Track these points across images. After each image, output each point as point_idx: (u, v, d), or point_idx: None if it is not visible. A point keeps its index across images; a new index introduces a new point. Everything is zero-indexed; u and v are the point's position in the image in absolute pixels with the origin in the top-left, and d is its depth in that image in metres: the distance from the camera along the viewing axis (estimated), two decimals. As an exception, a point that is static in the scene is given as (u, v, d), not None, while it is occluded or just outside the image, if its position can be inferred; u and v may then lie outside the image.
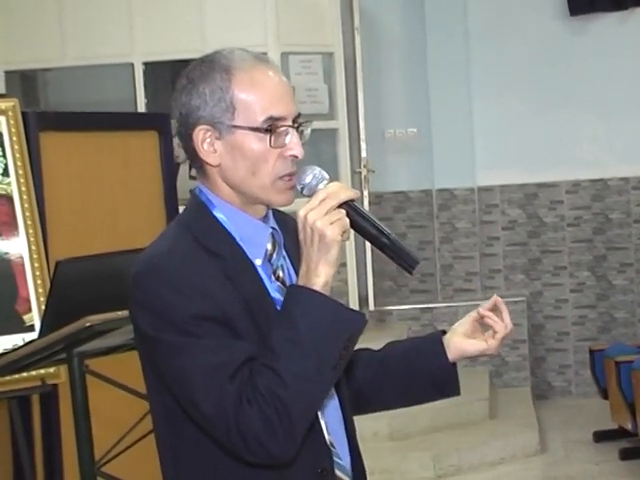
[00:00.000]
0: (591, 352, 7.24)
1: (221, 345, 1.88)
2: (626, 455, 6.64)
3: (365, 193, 7.75)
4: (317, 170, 2.00)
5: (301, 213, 1.92)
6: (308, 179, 1.99)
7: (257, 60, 2.02)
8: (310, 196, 1.96)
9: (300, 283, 1.92)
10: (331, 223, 1.90)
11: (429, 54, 8.35)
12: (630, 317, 8.36)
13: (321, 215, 1.90)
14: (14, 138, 3.97)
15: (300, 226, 1.92)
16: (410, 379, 2.24)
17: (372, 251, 7.57)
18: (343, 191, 1.93)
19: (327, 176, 2.00)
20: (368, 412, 2.32)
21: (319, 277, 1.90)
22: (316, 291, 1.89)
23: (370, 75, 8.06)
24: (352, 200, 1.94)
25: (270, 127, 1.97)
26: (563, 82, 8.30)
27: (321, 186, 1.97)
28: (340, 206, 1.92)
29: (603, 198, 8.34)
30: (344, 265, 7.34)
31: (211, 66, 1.99)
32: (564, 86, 8.30)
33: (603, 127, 8.31)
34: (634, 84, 8.23)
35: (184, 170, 5.54)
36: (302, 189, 2.00)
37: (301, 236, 1.92)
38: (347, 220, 1.93)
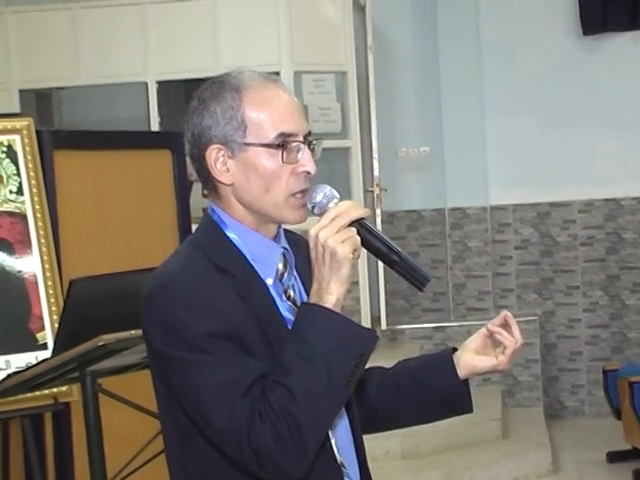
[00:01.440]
0: (604, 372, 7.21)
1: (234, 362, 1.89)
2: None
3: (378, 212, 7.75)
4: (328, 189, 2.01)
5: (312, 232, 1.92)
6: (319, 198, 2.00)
7: (266, 79, 2.04)
8: (321, 215, 1.97)
9: (312, 301, 1.93)
10: (342, 241, 1.90)
11: (442, 73, 8.36)
12: (643, 337, 8.33)
13: (332, 233, 1.91)
14: (28, 157, 3.98)
15: (311, 245, 1.93)
16: (422, 397, 2.24)
17: (385, 270, 7.57)
18: (354, 209, 1.94)
19: (337, 195, 2.01)
20: (381, 430, 2.32)
21: (331, 295, 1.91)
22: (328, 308, 1.90)
23: (383, 94, 8.07)
24: (363, 218, 1.95)
25: (282, 143, 1.98)
26: (576, 101, 8.30)
27: (332, 205, 1.98)
28: (351, 224, 1.93)
29: (616, 217, 8.33)
30: (356, 284, 7.34)
31: (221, 86, 2.02)
32: (577, 105, 8.30)
33: (616, 146, 8.30)
34: (647, 103, 8.24)
35: (197, 188, 5.53)
36: (313, 208, 2.01)
37: (312, 254, 1.93)
38: (358, 238, 1.93)
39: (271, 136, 1.98)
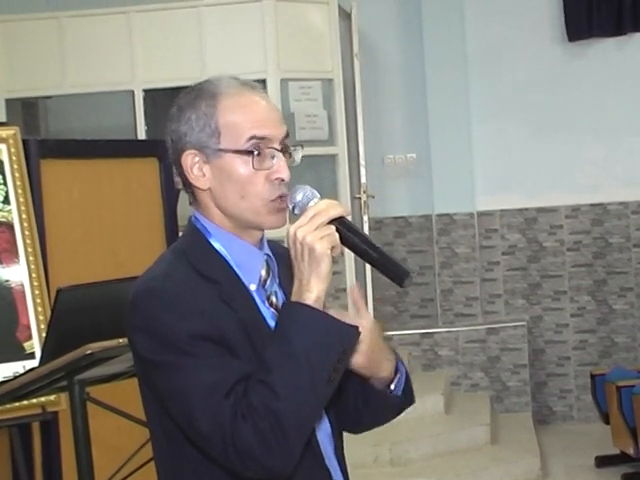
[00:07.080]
0: (592, 377, 7.23)
1: (217, 364, 1.90)
2: (628, 480, 6.63)
3: (365, 218, 7.76)
4: (307, 189, 2.02)
5: (291, 230, 1.94)
6: (299, 197, 2.01)
7: (243, 86, 2.05)
8: (301, 215, 1.98)
9: (293, 299, 1.94)
10: (320, 238, 1.91)
11: (428, 79, 8.37)
12: (631, 341, 8.35)
13: (310, 230, 1.92)
14: (15, 166, 3.98)
15: (290, 243, 1.94)
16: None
17: (372, 277, 7.57)
18: (332, 208, 1.95)
19: (318, 194, 2.02)
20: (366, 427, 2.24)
21: (311, 292, 1.92)
22: (308, 305, 1.91)
23: (369, 101, 8.09)
24: (342, 217, 1.96)
25: (254, 149, 1.99)
26: (562, 107, 8.32)
27: (311, 204, 1.99)
28: (331, 223, 1.94)
29: (603, 222, 8.35)
30: (344, 290, 7.34)
31: (198, 93, 2.04)
32: (563, 111, 8.32)
33: (602, 151, 8.33)
34: (633, 108, 8.26)
35: (185, 197, 5.55)
36: (293, 208, 2.02)
37: (292, 253, 1.94)
38: (337, 235, 1.94)
39: (243, 141, 1.99)
